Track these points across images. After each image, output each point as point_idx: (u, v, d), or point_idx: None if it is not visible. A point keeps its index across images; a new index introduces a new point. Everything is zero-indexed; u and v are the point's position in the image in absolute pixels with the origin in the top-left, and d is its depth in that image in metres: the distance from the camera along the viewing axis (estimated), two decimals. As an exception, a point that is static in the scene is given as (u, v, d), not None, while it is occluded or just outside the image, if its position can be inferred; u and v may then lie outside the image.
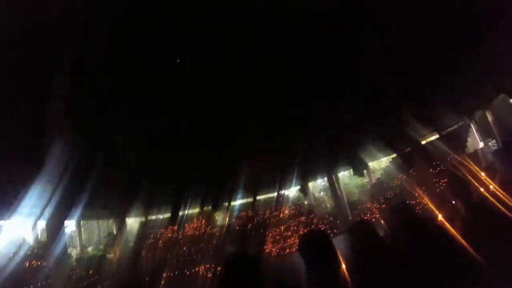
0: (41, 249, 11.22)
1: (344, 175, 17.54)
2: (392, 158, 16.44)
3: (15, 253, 10.30)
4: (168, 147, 9.37)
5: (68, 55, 5.14)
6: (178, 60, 6.42)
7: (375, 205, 15.88)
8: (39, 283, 9.80)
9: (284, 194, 15.78)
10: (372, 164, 17.88)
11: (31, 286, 9.69)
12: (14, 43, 4.62)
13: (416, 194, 12.63)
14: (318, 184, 17.81)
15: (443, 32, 6.59)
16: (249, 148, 10.47)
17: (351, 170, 15.85)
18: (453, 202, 2.67)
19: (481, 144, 13.57)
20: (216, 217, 15.04)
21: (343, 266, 1.80)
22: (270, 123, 9.31)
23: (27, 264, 10.54)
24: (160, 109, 7.61)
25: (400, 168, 15.03)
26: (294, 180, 14.23)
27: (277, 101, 8.11)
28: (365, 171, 16.62)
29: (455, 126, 14.18)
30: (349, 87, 8.16)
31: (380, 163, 18.72)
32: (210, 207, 13.55)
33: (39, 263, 10.81)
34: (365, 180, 18.00)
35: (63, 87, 5.58)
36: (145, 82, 6.52)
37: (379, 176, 17.84)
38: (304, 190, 15.94)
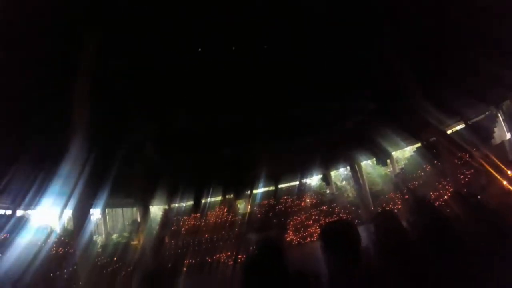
0: (68, 237, 11.54)
1: (367, 164, 17.09)
2: (416, 148, 15.90)
3: (43, 241, 10.68)
4: (191, 137, 9.43)
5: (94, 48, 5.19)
6: (200, 49, 6.46)
7: (398, 195, 15.48)
8: (66, 270, 10.09)
9: (306, 183, 15.61)
10: (395, 154, 17.38)
11: (58, 273, 9.99)
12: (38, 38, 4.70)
13: (440, 186, 12.23)
14: (340, 173, 17.46)
15: (470, 21, 6.24)
16: (271, 137, 10.38)
17: (374, 159, 15.46)
18: (478, 196, 2.50)
19: (509, 135, 12.87)
20: (238, 205, 15.08)
21: (365, 256, 1.71)
22: (293, 113, 9.17)
23: (55, 251, 10.85)
24: (184, 100, 7.64)
25: (424, 158, 14.51)
26: (316, 169, 14.01)
27: (300, 91, 7.98)
28: (388, 161, 16.18)
29: (482, 116, 13.48)
30: (373, 76, 7.93)
31: (404, 152, 18.17)
32: (232, 195, 13.57)
33: (66, 250, 11.13)
34: (388, 170, 17.52)
35: (89, 81, 5.67)
36: (169, 76, 6.60)
37: (403, 166, 17.32)
38: (326, 179, 15.68)
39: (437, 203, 11.11)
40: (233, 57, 6.59)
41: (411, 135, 13.70)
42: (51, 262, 10.04)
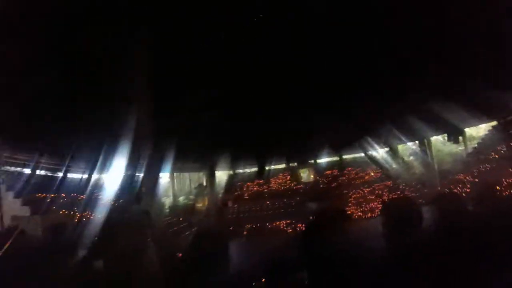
0: (138, 198, 12.49)
1: (438, 140, 15.94)
2: (492, 126, 14.45)
3: (116, 202, 11.69)
4: (257, 103, 9.54)
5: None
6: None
7: (468, 177, 14.35)
8: (134, 226, 11.03)
9: (371, 155, 15.12)
10: (469, 131, 15.96)
11: (129, 230, 10.94)
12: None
13: None
14: (408, 148, 16.55)
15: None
16: (339, 104, 10.13)
17: (445, 135, 14.41)
18: None
19: None
20: (301, 174, 15.21)
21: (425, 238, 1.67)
22: (361, 79, 8.81)
23: (126, 211, 11.87)
24: (249, 66, 7.70)
25: (500, 138, 13.16)
26: (383, 141, 13.47)
27: (370, 58, 7.64)
28: (460, 138, 14.98)
29: None
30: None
31: (478, 130, 16.60)
32: (295, 163, 13.68)
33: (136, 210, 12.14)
34: (459, 148, 16.22)
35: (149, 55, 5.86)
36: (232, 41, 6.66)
37: (476, 145, 15.91)
38: (393, 153, 15.03)
39: (508, 192, 10.21)
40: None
41: (487, 111, 12.50)
42: (122, 220, 11.02)
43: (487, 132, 15.14)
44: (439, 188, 14.53)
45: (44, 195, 11.05)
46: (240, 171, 15.13)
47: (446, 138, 14.67)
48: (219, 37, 6.60)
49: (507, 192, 10.93)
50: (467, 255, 1.52)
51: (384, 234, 1.73)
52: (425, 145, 14.64)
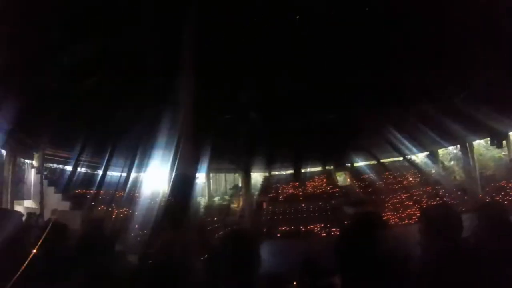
0: (173, 198, 12.83)
1: (480, 144, 15.30)
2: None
3: (152, 200, 12.13)
4: (294, 105, 9.65)
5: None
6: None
7: (511, 185, 13.69)
8: (171, 224, 11.32)
9: (410, 159, 14.76)
10: (513, 134, 15.21)
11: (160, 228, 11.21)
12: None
13: None
14: (449, 152, 15.98)
15: None
16: (377, 106, 10.04)
17: (488, 139, 13.79)
18: None
19: None
20: (338, 177, 15.12)
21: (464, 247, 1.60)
22: (401, 79, 8.68)
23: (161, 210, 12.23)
24: (285, 66, 7.80)
25: None
26: (422, 145, 13.11)
27: (412, 57, 7.52)
28: (504, 142, 14.29)
29: None
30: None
31: (525, 134, 15.80)
32: (332, 167, 13.61)
33: (171, 209, 12.52)
34: (503, 153, 15.47)
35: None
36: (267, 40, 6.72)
37: (522, 150, 15.13)
38: (433, 157, 14.60)
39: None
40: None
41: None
42: (159, 218, 11.36)
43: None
44: (480, 195, 13.95)
45: (83, 191, 11.73)
46: (276, 173, 15.28)
47: (489, 142, 14.02)
48: (263, 37, 6.83)
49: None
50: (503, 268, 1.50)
51: (420, 241, 1.69)
52: (467, 149, 14.07)
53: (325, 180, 14.62)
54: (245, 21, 6.19)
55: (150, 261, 1.97)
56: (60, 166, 12.42)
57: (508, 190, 13.46)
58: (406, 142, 12.91)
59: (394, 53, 7.39)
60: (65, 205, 10.17)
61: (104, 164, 11.31)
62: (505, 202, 11.75)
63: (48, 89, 6.68)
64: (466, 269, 1.47)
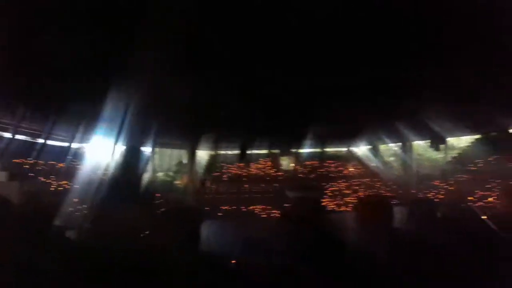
0: (118, 171, 12.25)
1: (419, 145, 16.28)
2: (474, 139, 14.84)
3: (94, 172, 11.49)
4: (245, 87, 9.41)
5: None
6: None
7: (443, 185, 14.77)
8: (110, 199, 10.86)
9: (353, 151, 15.30)
10: (451, 140, 16.34)
11: (107, 200, 10.78)
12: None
13: (489, 186, 11.38)
14: (390, 148, 16.85)
15: None
16: (326, 99, 10.13)
17: (428, 141, 14.68)
18: None
19: None
20: (282, 161, 15.29)
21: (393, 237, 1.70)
22: (352, 74, 8.76)
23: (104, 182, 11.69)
24: (241, 50, 7.53)
25: (480, 152, 13.54)
26: (366, 138, 13.62)
27: (366, 51, 7.56)
28: (442, 146, 15.30)
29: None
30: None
31: (460, 141, 17.01)
32: (277, 151, 13.70)
33: (115, 182, 11.99)
34: (439, 156, 16.61)
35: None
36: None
37: (456, 155, 16.32)
38: (374, 151, 15.25)
39: (479, 203, 10.42)
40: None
41: (471, 124, 12.78)
42: (98, 191, 10.87)
43: (468, 144, 15.53)
44: (414, 191, 14.91)
45: (23, 160, 10.83)
46: (222, 152, 15.10)
47: (428, 143, 14.94)
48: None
49: (479, 203, 11.31)
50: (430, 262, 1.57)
51: (355, 228, 1.77)
52: (407, 148, 14.88)
53: (269, 163, 14.76)
54: None
55: (89, 236, 1.93)
56: None
57: (439, 189, 14.48)
58: (351, 134, 13.31)
59: (349, 45, 7.38)
60: (2, 175, 9.26)
61: (46, 132, 10.58)
62: (436, 199, 12.68)
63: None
64: (395, 256, 1.58)
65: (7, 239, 1.69)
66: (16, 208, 2.02)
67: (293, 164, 14.69)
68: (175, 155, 16.09)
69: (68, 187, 10.72)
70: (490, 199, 11.33)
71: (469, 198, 11.54)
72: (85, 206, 9.04)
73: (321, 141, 13.64)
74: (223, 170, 14.85)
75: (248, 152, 13.05)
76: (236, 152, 13.34)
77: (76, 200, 9.55)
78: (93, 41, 6.48)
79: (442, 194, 13.98)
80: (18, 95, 8.37)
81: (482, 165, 13.28)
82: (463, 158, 15.30)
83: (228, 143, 13.99)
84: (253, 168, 14.76)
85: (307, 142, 13.25)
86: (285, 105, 10.66)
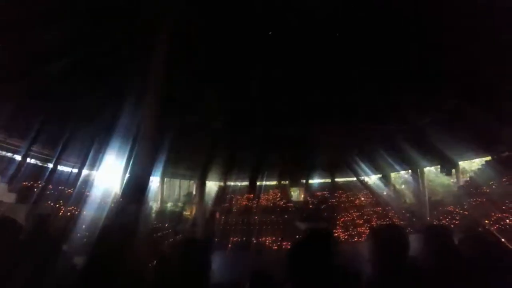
0: (125, 200, 12.23)
1: (430, 171, 16.03)
2: (486, 161, 14.55)
3: (102, 201, 11.49)
4: (253, 120, 9.53)
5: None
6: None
7: (457, 210, 14.39)
8: (120, 228, 10.81)
9: (363, 180, 15.13)
10: (462, 164, 16.07)
11: (113, 230, 10.72)
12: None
13: (505, 208, 11.09)
14: (400, 176, 16.62)
15: None
16: (333, 130, 10.19)
17: (439, 166, 14.45)
18: None
19: None
20: (292, 192, 15.14)
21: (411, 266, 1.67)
22: (361, 103, 8.82)
23: (111, 211, 11.65)
24: (248, 82, 7.67)
25: (493, 174, 13.25)
26: (375, 168, 13.47)
27: (373, 78, 7.63)
28: (453, 170, 15.04)
29: None
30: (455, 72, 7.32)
31: (472, 164, 16.74)
32: (287, 182, 13.60)
33: (122, 211, 11.93)
34: (452, 180, 16.29)
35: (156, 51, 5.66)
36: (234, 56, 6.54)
37: (468, 178, 16.00)
38: (385, 180, 15.04)
39: (496, 226, 10.15)
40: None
41: (482, 146, 12.61)
42: (107, 221, 10.80)
43: (480, 167, 15.24)
44: (428, 218, 14.55)
45: (32, 184, 10.92)
46: (231, 183, 15.06)
47: (439, 169, 14.70)
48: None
49: (495, 226, 10.99)
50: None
51: (369, 259, 1.73)
52: (417, 175, 14.66)
53: (279, 194, 14.63)
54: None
55: (96, 264, 1.83)
56: (9, 154, 11.42)
57: (454, 215, 14.10)
58: (361, 164, 13.21)
59: (358, 75, 7.45)
60: (11, 197, 9.34)
61: (56, 157, 10.59)
62: (451, 226, 12.33)
63: (4, 72, 6.03)
64: (412, 286, 1.54)
65: (15, 258, 1.75)
66: (23, 230, 2.04)
67: (303, 195, 14.54)
68: (185, 186, 16.11)
69: (76, 212, 10.60)
70: (507, 221, 10.95)
71: (485, 221, 11.25)
72: (92, 232, 8.91)
73: (331, 171, 13.54)
74: (232, 202, 14.76)
75: (258, 183, 12.99)
76: (246, 183, 13.28)
77: (83, 226, 9.48)
78: (106, 66, 6.73)
79: (457, 220, 13.62)
80: (32, 117, 8.52)
81: (495, 187, 12.95)
82: (475, 181, 14.96)
83: (238, 174, 13.98)
84: (263, 200, 14.65)
85: (317, 172, 13.20)
86: (293, 136, 10.73)
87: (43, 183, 10.60)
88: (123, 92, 7.06)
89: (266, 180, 14.04)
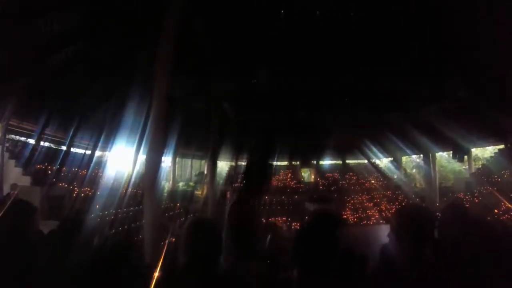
0: (138, 179, 12.41)
1: (442, 156, 15.86)
2: (499, 149, 14.31)
3: (117, 180, 11.70)
4: (266, 98, 9.58)
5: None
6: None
7: (467, 197, 14.26)
8: (132, 209, 11.02)
9: (375, 163, 15.07)
10: (475, 151, 15.86)
11: (124, 210, 10.92)
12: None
13: None
14: (412, 160, 16.46)
15: None
16: (348, 109, 10.17)
17: (451, 152, 14.31)
18: None
19: None
20: (303, 173, 15.20)
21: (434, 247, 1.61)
22: (376, 86, 8.78)
23: (125, 190, 11.83)
24: (263, 59, 7.68)
25: (506, 163, 13.04)
26: (388, 151, 13.39)
27: (389, 63, 7.57)
28: (465, 157, 14.88)
29: None
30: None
31: (485, 151, 16.50)
32: (298, 162, 13.62)
33: (135, 191, 12.16)
34: (463, 167, 16.12)
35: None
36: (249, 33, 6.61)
37: (480, 166, 15.79)
38: (396, 163, 14.97)
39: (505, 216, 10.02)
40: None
41: (495, 134, 12.42)
42: (121, 200, 11.02)
43: (493, 155, 15.02)
44: (438, 204, 14.47)
45: (46, 166, 11.16)
46: (242, 163, 15.17)
47: (451, 155, 14.56)
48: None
49: (505, 216, 10.93)
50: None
51: (391, 240, 1.67)
52: (429, 160, 14.55)
53: (290, 175, 14.71)
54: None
55: (109, 243, 1.90)
56: (23, 138, 11.67)
57: (465, 202, 13.98)
58: (372, 147, 13.15)
59: (370, 61, 7.44)
60: (26, 180, 9.59)
61: (69, 140, 10.90)
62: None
63: (17, 58, 6.20)
64: (442, 267, 1.50)
65: (31, 240, 1.79)
66: (39, 213, 2.09)
67: (313, 176, 14.57)
68: (196, 165, 16.29)
69: (90, 194, 10.71)
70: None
71: (494, 210, 11.15)
72: (107, 213, 8.99)
73: (342, 153, 13.53)
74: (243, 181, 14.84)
75: (270, 163, 13.06)
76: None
77: (97, 206, 9.78)
78: (120, 56, 6.86)
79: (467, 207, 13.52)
80: (45, 101, 8.76)
81: (507, 176, 12.76)
82: (487, 169, 14.76)
83: (249, 154, 14.07)
84: (274, 180, 14.73)
85: (328, 154, 13.19)
86: (307, 118, 10.75)
87: (57, 166, 10.78)
88: (134, 75, 7.22)
89: (277, 161, 14.11)
